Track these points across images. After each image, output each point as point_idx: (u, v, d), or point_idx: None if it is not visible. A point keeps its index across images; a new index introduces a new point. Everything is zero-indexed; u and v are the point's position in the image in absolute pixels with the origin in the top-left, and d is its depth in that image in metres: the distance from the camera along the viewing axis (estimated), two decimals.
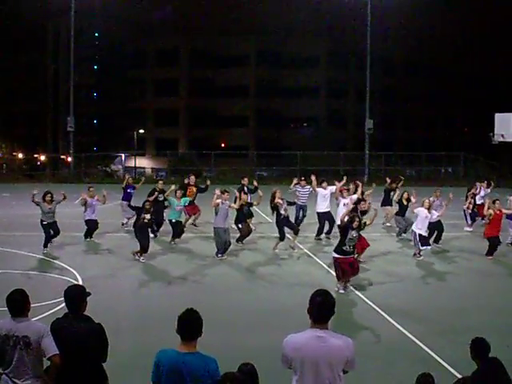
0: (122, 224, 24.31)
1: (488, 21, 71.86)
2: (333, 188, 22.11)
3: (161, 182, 23.90)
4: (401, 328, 12.38)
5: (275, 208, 20.08)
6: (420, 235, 19.08)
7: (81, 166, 55.85)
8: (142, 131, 79.30)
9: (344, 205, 19.95)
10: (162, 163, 69.87)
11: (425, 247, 19.27)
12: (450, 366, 10.19)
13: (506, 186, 44.64)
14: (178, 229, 21.42)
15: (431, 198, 20.77)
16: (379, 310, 13.69)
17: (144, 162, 73.57)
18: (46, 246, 19.65)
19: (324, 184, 22.49)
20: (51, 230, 19.80)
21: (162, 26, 77.01)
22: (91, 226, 21.54)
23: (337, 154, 57.97)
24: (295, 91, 78.46)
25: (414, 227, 19.52)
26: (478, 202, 25.72)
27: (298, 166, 53.99)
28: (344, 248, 14.89)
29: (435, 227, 20.65)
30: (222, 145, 77.39)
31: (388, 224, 25.15)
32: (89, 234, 21.67)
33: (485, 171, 51.87)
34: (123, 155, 67.80)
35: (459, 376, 8.80)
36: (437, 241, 21.12)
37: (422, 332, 12.10)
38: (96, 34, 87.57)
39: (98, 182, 45.80)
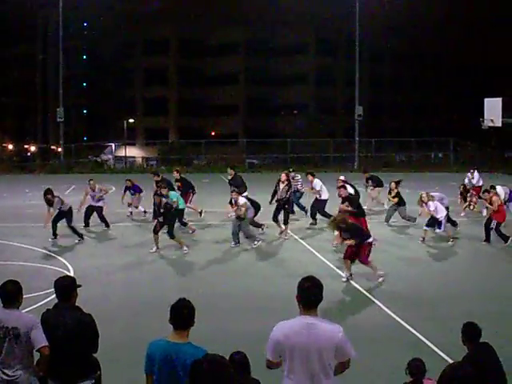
0: (145, 212, 24.38)
1: (474, 7, 71.86)
2: None
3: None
4: (391, 313, 12.40)
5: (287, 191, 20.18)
6: (447, 219, 19.73)
7: (71, 156, 55.73)
8: (131, 120, 79.03)
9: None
10: (152, 152, 69.83)
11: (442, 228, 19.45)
12: (441, 351, 10.22)
13: (496, 171, 44.88)
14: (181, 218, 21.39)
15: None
16: (369, 296, 13.72)
17: (134, 152, 73.43)
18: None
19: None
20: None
21: (151, 15, 76.59)
22: (87, 213, 21.87)
23: (327, 140, 58.15)
24: (284, 79, 78.48)
25: (439, 218, 19.27)
26: (477, 185, 26.37)
27: (288, 154, 54.09)
28: None
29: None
30: (212, 133, 77.37)
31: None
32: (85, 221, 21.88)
33: (475, 156, 52.01)
34: (113, 145, 67.64)
35: (451, 361, 8.84)
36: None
37: (413, 317, 12.12)
38: (85, 24, 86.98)
39: (89, 172, 45.72)
